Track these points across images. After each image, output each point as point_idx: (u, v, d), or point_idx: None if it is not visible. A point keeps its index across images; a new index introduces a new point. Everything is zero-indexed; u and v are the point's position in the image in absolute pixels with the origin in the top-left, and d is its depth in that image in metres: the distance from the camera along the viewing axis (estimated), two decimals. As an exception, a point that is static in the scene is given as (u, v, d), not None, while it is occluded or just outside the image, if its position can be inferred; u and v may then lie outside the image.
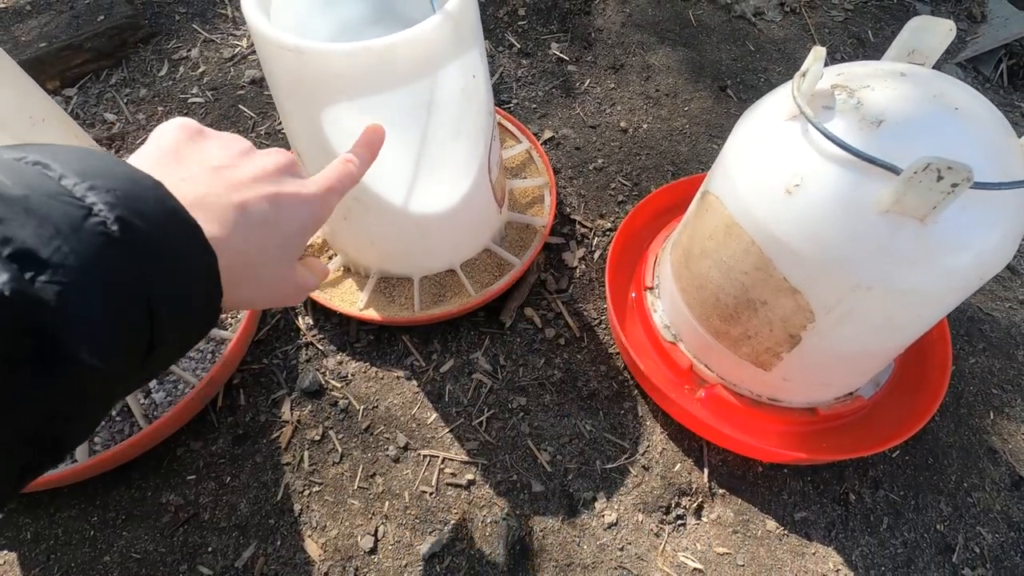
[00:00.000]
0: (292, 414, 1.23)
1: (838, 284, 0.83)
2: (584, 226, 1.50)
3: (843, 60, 1.90)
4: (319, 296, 1.30)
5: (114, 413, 1.15)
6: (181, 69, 1.80)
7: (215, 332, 1.23)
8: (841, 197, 0.79)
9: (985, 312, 1.40)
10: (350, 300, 1.31)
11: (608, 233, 1.49)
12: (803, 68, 0.84)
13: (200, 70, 1.80)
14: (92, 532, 1.10)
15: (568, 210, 1.53)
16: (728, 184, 0.94)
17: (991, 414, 1.26)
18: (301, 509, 1.13)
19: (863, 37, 1.97)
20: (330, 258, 1.37)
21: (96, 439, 1.12)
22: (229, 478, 1.16)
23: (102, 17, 1.81)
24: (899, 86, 0.80)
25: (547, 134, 1.67)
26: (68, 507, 1.12)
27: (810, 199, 0.81)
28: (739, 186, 0.90)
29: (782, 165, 0.84)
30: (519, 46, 1.85)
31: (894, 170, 0.74)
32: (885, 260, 0.79)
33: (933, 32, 0.86)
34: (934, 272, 0.79)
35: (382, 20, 1.18)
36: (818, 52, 0.80)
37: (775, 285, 0.91)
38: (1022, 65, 2.02)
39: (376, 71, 0.86)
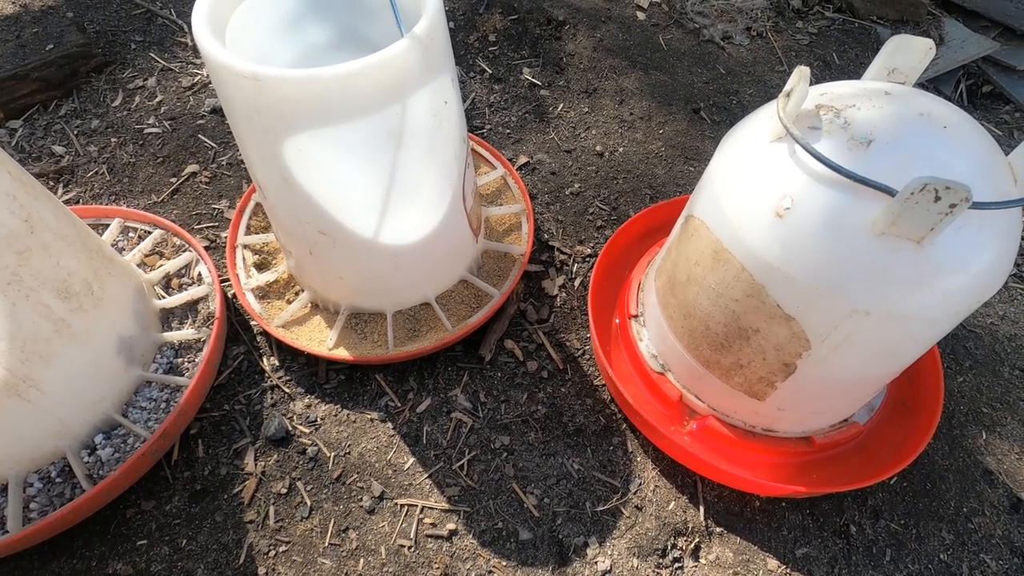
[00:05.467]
0: (256, 465, 1.14)
1: (834, 310, 0.79)
2: (563, 252, 1.46)
3: (812, 83, 1.92)
4: (285, 335, 1.21)
5: (53, 474, 1.04)
6: (137, 99, 1.72)
7: (170, 378, 1.14)
8: (834, 220, 0.76)
9: (968, 329, 1.39)
10: (318, 339, 1.23)
11: (588, 259, 1.45)
12: (787, 88, 0.81)
13: (157, 99, 1.72)
14: (26, 612, 0.98)
15: (546, 236, 1.48)
16: (714, 208, 0.90)
17: (983, 434, 1.24)
18: (267, 572, 1.03)
19: (828, 59, 2.00)
20: (296, 294, 1.29)
21: (32, 504, 1.00)
22: (185, 541, 1.05)
23: (51, 46, 1.72)
24: (885, 105, 0.78)
25: (522, 159, 1.63)
26: (-1, 584, 1.00)
27: (802, 222, 0.78)
28: (726, 210, 0.87)
29: (770, 188, 0.81)
30: (490, 71, 1.82)
31: (889, 191, 0.71)
32: (883, 284, 0.75)
33: (913, 51, 0.85)
34: (933, 295, 0.75)
35: (346, 45, 1.13)
36: (802, 71, 0.78)
37: (768, 312, 0.86)
38: (980, 85, 2.08)
39: (340, 98, 0.81)
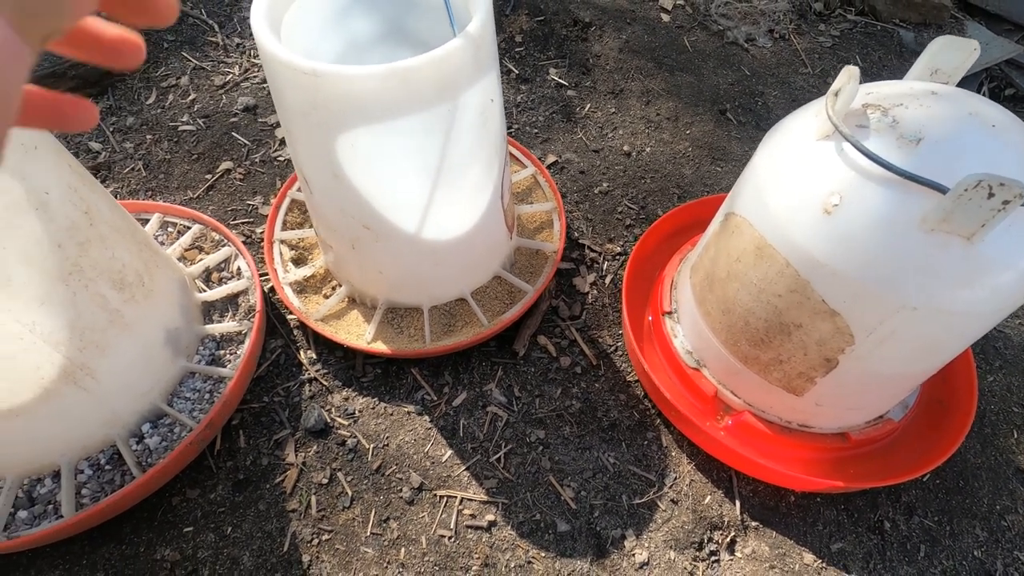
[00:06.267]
0: (297, 456, 1.16)
1: (882, 305, 0.80)
2: (593, 250, 1.47)
3: (835, 84, 1.94)
4: (324, 329, 1.23)
5: (103, 461, 1.06)
6: (170, 96, 1.75)
7: (213, 369, 1.16)
8: (883, 216, 0.77)
9: (997, 330, 1.39)
10: (357, 332, 1.25)
11: (618, 257, 1.47)
12: (835, 87, 0.83)
13: (190, 97, 1.75)
14: (78, 596, 1.00)
15: (576, 235, 1.50)
16: (757, 205, 0.92)
17: (1015, 433, 1.24)
18: (310, 560, 1.05)
19: (851, 62, 2.01)
20: (334, 289, 1.31)
21: (83, 491, 1.03)
22: (230, 528, 1.07)
23: (87, 45, 1.75)
24: (933, 104, 0.79)
25: (550, 158, 1.65)
26: (51, 568, 1.02)
27: (850, 219, 0.79)
28: (771, 207, 0.88)
29: (818, 185, 0.82)
30: (517, 72, 1.84)
31: (940, 189, 0.72)
32: (931, 280, 0.77)
33: (957, 51, 0.86)
34: (981, 291, 0.77)
35: (389, 38, 1.15)
36: (851, 71, 0.79)
37: (812, 307, 0.88)
38: (1003, 88, 2.09)
39: (398, 94, 0.83)
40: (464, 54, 0.85)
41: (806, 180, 0.84)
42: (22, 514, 1.00)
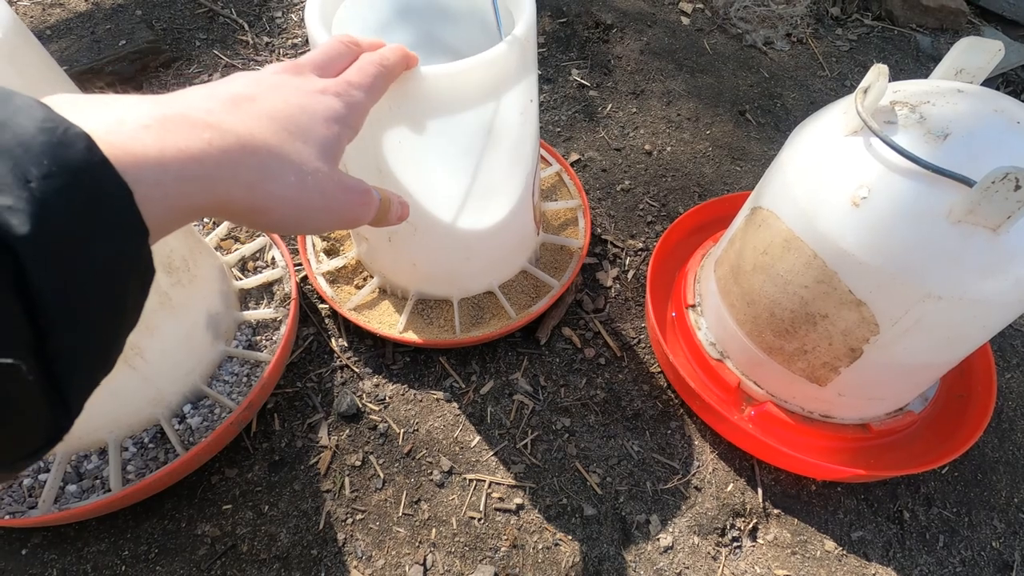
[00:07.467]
0: (330, 439, 1.19)
1: (907, 294, 0.83)
2: (616, 246, 1.51)
3: (855, 86, 1.96)
4: (357, 318, 1.27)
5: (146, 440, 1.10)
6: (203, 93, 1.80)
7: (251, 354, 1.20)
8: (911, 208, 0.80)
9: (1015, 328, 1.42)
10: (388, 322, 1.28)
11: (640, 253, 1.50)
12: (864, 84, 0.86)
13: (223, 94, 1.79)
14: (123, 567, 1.04)
15: (599, 231, 1.54)
16: (785, 199, 0.95)
17: (1032, 429, 1.27)
18: (345, 538, 1.08)
19: (869, 65, 2.03)
20: (365, 280, 1.35)
21: (128, 467, 1.07)
22: (267, 507, 1.11)
23: (123, 42, 1.81)
24: (960, 102, 0.83)
25: (573, 157, 1.68)
26: (97, 541, 1.06)
27: (878, 211, 0.82)
28: (799, 200, 0.91)
29: (846, 179, 0.85)
30: (540, 72, 1.88)
31: (966, 182, 0.75)
32: (957, 269, 0.79)
33: (982, 52, 0.89)
34: (1005, 281, 0.79)
35: (423, 47, 1.19)
36: (880, 69, 0.83)
37: (838, 298, 0.91)
38: (1019, 92, 2.11)
39: (448, 93, 0.86)
40: (511, 56, 0.89)
41: (834, 174, 0.87)
42: (71, 488, 1.04)
